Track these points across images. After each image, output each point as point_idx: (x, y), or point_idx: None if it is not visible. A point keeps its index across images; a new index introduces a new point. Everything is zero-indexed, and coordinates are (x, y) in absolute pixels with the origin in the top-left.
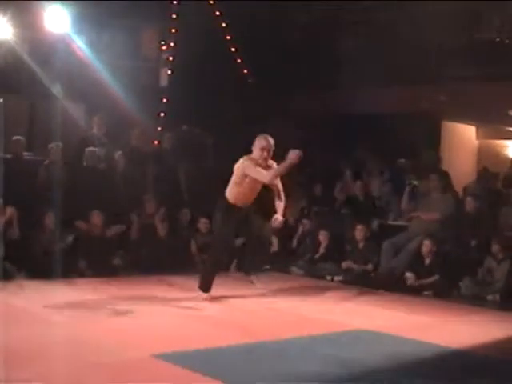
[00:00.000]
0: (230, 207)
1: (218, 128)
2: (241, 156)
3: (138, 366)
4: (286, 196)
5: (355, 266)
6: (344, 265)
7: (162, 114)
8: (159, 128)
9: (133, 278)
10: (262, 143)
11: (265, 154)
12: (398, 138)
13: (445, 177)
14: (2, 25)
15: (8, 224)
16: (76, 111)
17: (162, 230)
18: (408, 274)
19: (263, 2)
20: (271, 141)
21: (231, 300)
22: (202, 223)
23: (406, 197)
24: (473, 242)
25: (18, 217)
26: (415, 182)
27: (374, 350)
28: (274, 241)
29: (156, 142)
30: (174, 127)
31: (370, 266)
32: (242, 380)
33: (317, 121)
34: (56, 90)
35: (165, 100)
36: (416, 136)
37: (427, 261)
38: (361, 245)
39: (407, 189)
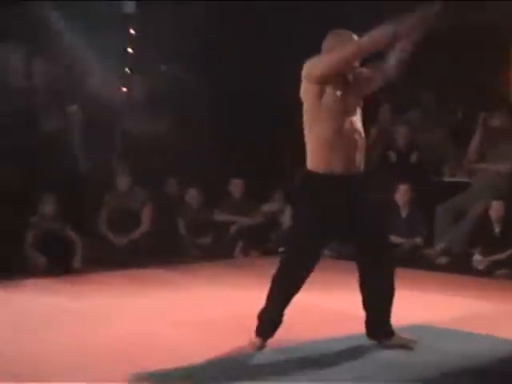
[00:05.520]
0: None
1: (210, 66)
2: (248, 104)
3: None
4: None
5: (401, 241)
6: None
7: (130, 51)
8: (127, 70)
9: (97, 274)
10: (337, 37)
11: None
12: (452, 60)
13: None
14: None
15: None
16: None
17: (145, 220)
18: (477, 257)
19: None
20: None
21: (237, 295)
22: (192, 195)
23: (477, 140)
24: None
25: None
26: (495, 122)
27: (438, 351)
28: (287, 211)
29: (124, 90)
30: (148, 68)
31: (419, 240)
32: None
33: None
34: None
35: (132, 31)
36: (479, 57)
37: (497, 229)
38: (404, 212)
39: (479, 130)
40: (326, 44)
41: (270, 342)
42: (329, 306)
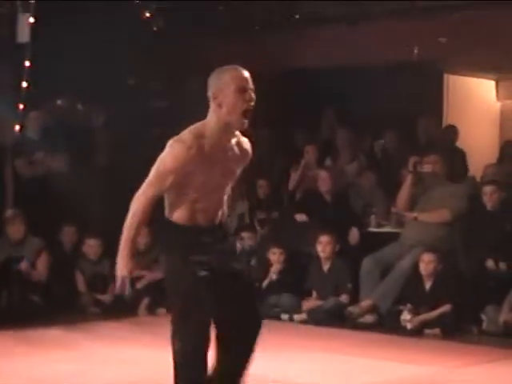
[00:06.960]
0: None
1: (111, 101)
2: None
3: None
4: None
5: (322, 303)
6: (306, 304)
7: (25, 85)
8: (20, 106)
9: None
10: (236, 80)
11: (244, 105)
12: (379, 103)
13: (455, 157)
14: None
15: None
16: None
17: (41, 272)
18: (405, 316)
19: None
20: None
21: (141, 356)
22: (90, 246)
23: (406, 189)
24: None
25: None
26: (427, 168)
27: None
28: None
29: (17, 128)
30: (44, 103)
31: (343, 297)
32: None
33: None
34: None
35: (27, 63)
36: (407, 98)
37: (428, 285)
38: (327, 266)
39: (409, 178)
40: (209, 83)
41: None
42: None
